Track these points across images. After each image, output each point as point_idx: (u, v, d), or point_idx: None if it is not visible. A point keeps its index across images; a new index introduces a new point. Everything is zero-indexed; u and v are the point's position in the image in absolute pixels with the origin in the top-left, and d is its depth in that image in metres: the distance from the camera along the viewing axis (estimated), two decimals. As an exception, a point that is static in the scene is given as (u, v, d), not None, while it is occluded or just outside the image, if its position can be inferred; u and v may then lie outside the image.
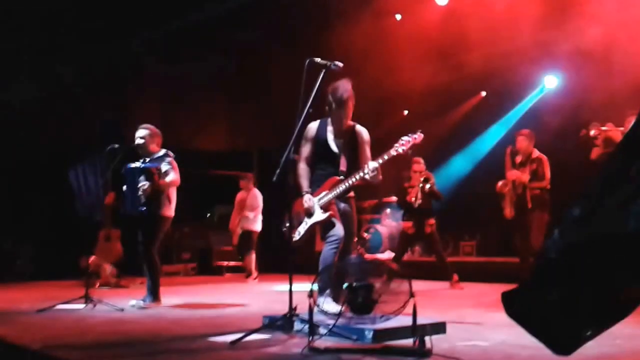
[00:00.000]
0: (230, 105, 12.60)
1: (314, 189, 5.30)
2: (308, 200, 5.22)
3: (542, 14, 9.35)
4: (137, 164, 6.68)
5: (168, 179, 6.59)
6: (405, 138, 5.01)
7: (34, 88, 10.80)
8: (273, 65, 11.30)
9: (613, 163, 2.06)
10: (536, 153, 7.97)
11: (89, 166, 11.42)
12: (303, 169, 5.40)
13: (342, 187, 5.18)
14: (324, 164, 5.38)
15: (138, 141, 6.78)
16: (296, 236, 5.26)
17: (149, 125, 6.89)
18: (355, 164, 5.32)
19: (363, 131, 5.44)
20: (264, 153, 13.73)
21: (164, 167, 6.63)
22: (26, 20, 10.19)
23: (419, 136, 5.02)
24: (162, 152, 6.80)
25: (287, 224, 4.92)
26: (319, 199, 5.23)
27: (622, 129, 7.25)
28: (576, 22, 9.10)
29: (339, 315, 4.25)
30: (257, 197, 11.01)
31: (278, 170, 4.57)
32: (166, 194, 6.62)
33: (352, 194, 5.41)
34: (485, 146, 13.19)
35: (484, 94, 13.67)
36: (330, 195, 5.21)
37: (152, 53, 11.83)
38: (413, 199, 8.98)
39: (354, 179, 5.13)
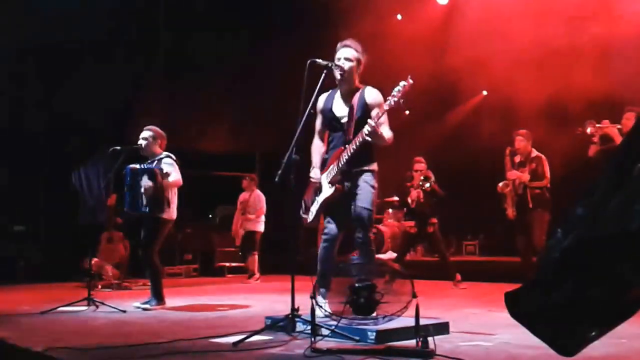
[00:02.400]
0: (232, 106, 12.59)
1: (326, 163, 5.05)
2: (314, 175, 5.05)
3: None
4: (138, 165, 6.68)
5: (170, 179, 6.58)
6: (396, 89, 4.61)
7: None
8: (275, 66, 11.30)
9: (616, 161, 2.05)
10: (535, 152, 7.96)
11: (92, 168, 11.41)
12: (315, 143, 5.21)
13: (345, 157, 4.85)
14: (333, 134, 5.11)
15: (141, 142, 6.78)
16: (310, 217, 5.08)
17: (153, 127, 6.88)
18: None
19: (372, 91, 5.01)
20: (266, 154, 13.72)
21: (166, 167, 6.62)
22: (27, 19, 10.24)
23: (408, 83, 4.60)
24: (164, 154, 6.79)
25: (303, 208, 4.89)
26: (328, 174, 4.97)
27: (618, 126, 7.23)
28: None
29: (341, 315, 4.25)
30: (260, 198, 11.01)
31: (280, 171, 4.56)
32: (166, 197, 6.60)
33: (372, 166, 4.98)
34: (487, 145, 13.16)
35: (485, 93, 13.67)
36: (336, 168, 4.90)
37: (156, 55, 11.86)
38: (409, 200, 8.98)
39: (354, 145, 4.77)
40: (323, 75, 4.79)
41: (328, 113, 5.09)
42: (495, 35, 9.94)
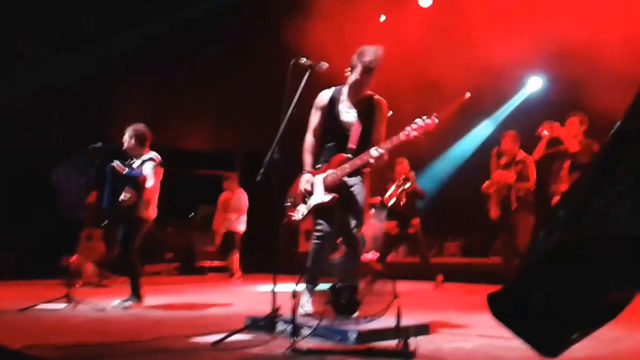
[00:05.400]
0: (214, 104, 12.54)
1: (320, 164, 5.02)
2: (306, 180, 4.94)
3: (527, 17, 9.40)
4: (121, 165, 6.59)
5: (149, 185, 6.51)
6: (418, 121, 4.60)
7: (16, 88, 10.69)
8: (258, 64, 11.26)
9: (599, 163, 2.05)
10: (521, 154, 7.99)
11: (72, 165, 11.32)
12: (308, 141, 5.10)
13: (346, 169, 4.81)
14: (332, 137, 5.00)
15: (124, 141, 6.71)
16: (297, 215, 5.00)
17: (138, 126, 6.80)
18: (367, 141, 4.87)
19: (382, 103, 4.97)
20: (248, 153, 13.68)
21: (146, 171, 6.55)
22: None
23: (432, 121, 4.59)
24: (148, 155, 6.69)
25: (289, 202, 4.87)
26: (323, 177, 4.91)
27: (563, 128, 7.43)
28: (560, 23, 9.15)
29: (322, 316, 4.23)
30: (241, 197, 10.99)
31: (262, 170, 4.53)
32: (145, 197, 6.53)
33: (365, 170, 4.98)
34: (470, 147, 13.24)
35: (468, 94, 13.72)
36: (334, 176, 4.86)
37: (137, 52, 11.75)
38: (387, 198, 8.98)
39: (358, 162, 4.75)
40: (307, 74, 4.76)
41: (334, 115, 5.01)
42: (477, 37, 9.98)
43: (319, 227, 5.00)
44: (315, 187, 4.92)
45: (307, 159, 5.06)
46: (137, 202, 6.45)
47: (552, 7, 9.41)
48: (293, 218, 5.03)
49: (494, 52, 9.80)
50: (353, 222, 4.88)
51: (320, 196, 4.88)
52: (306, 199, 4.95)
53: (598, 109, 7.43)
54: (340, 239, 5.01)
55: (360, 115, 4.92)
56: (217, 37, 11.84)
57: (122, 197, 6.35)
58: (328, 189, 4.86)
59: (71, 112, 11.35)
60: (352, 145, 4.86)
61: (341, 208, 4.92)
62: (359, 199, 4.91)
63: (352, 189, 4.90)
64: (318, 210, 4.95)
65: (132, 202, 6.39)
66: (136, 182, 6.44)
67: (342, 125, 4.96)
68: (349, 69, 4.95)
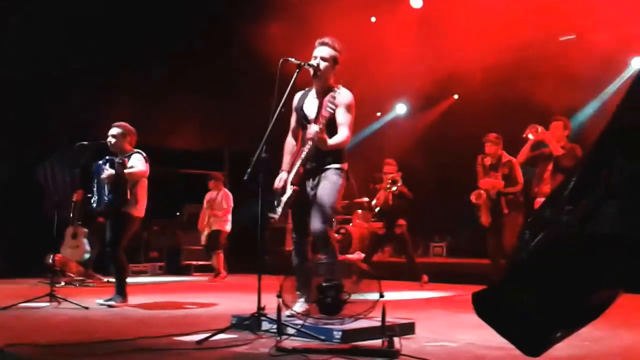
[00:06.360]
0: (202, 104, 12.49)
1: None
2: (278, 179, 4.96)
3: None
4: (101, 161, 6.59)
5: (134, 170, 6.50)
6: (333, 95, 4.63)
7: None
8: (246, 64, 11.24)
9: (586, 164, 2.07)
10: (506, 157, 7.99)
11: (57, 163, 11.26)
12: (287, 142, 5.16)
13: (300, 157, 4.80)
14: (303, 132, 4.99)
15: (110, 139, 6.69)
16: (276, 216, 4.97)
17: (122, 124, 6.79)
18: (333, 130, 4.80)
19: (342, 92, 4.88)
20: (235, 152, 13.64)
21: (133, 161, 6.54)
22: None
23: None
24: (134, 151, 6.69)
25: (273, 207, 4.86)
26: (292, 173, 4.89)
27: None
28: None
29: (307, 315, 4.23)
30: (227, 197, 10.98)
31: (249, 169, 4.52)
32: (134, 193, 6.52)
33: (336, 165, 4.86)
34: (456, 148, 13.27)
35: (456, 96, 13.78)
36: (294, 169, 4.86)
37: (124, 50, 11.69)
38: (376, 204, 9.00)
39: (307, 146, 4.74)
40: (295, 74, 4.76)
41: (299, 111, 5.05)
42: (466, 39, 10.02)
43: (293, 239, 5.04)
44: (287, 182, 4.92)
45: (285, 158, 5.11)
46: (121, 191, 6.43)
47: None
48: (275, 220, 5.02)
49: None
50: (313, 221, 4.79)
51: (288, 191, 4.87)
52: (281, 197, 4.94)
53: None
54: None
55: (321, 106, 4.82)
56: (205, 35, 11.80)
57: (103, 175, 6.41)
58: (293, 182, 4.86)
59: (57, 111, 11.25)
60: (309, 135, 4.77)
61: (302, 206, 4.90)
62: (320, 195, 4.80)
63: (314, 184, 4.86)
64: (293, 207, 4.94)
65: (112, 181, 6.40)
66: (113, 163, 6.48)
67: (307, 119, 4.95)
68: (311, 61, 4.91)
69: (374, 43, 10.58)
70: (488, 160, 8.07)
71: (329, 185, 4.81)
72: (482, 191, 7.96)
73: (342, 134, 4.82)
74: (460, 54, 10.52)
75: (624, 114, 1.95)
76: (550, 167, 7.39)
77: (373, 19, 11.98)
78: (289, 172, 4.99)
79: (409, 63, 10.91)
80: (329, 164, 4.86)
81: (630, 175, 1.85)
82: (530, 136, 7.58)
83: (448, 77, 11.64)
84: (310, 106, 4.99)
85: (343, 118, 4.80)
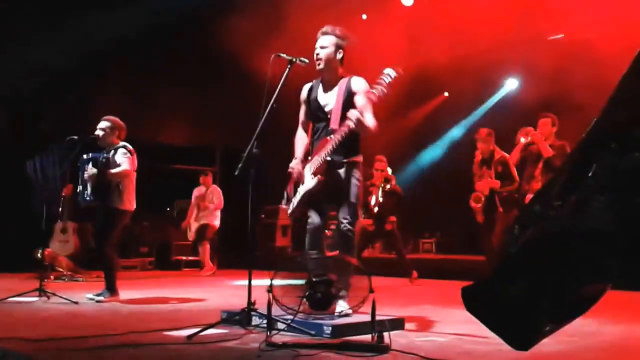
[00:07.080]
0: (193, 99, 12.46)
1: (311, 154, 4.92)
2: (295, 166, 4.90)
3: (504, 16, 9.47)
4: (85, 156, 6.56)
5: (119, 170, 6.47)
6: (385, 78, 4.50)
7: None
8: (238, 59, 11.22)
9: (574, 161, 2.08)
10: (499, 153, 7.99)
11: (47, 157, 11.20)
12: (298, 134, 5.11)
13: (330, 147, 4.70)
14: (317, 125, 4.96)
15: (98, 132, 6.65)
16: (290, 208, 4.96)
17: (111, 117, 6.75)
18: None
19: (358, 80, 4.83)
20: (227, 148, 13.62)
21: (119, 158, 6.50)
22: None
23: (398, 73, 4.51)
24: (120, 144, 6.66)
25: (284, 199, 4.84)
26: (311, 164, 4.83)
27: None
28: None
29: (297, 310, 4.23)
30: (217, 192, 10.99)
31: (240, 165, 4.51)
32: (120, 187, 6.48)
33: (358, 158, 4.90)
34: (446, 145, 13.32)
35: (446, 94, 13.81)
36: (319, 159, 4.76)
37: (115, 45, 11.64)
38: (372, 202, 9.01)
39: (340, 136, 4.63)
40: (287, 69, 4.75)
41: (314, 103, 4.97)
42: (457, 35, 10.04)
43: (309, 220, 4.97)
44: (305, 176, 4.88)
45: (298, 149, 5.04)
46: (109, 190, 6.41)
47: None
48: (288, 212, 4.99)
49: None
50: (342, 216, 4.81)
51: (309, 182, 4.82)
52: (298, 188, 4.90)
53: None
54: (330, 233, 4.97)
55: (338, 96, 4.81)
56: (197, 30, 11.76)
57: (85, 175, 6.40)
58: (315, 173, 4.79)
59: (47, 105, 11.21)
60: (334, 126, 4.76)
61: (330, 200, 4.88)
62: (351, 190, 4.81)
63: (341, 177, 4.81)
64: (310, 201, 4.90)
65: (94, 181, 6.38)
66: (95, 161, 6.45)
67: (323, 110, 4.91)
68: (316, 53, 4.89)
69: (364, 40, 10.57)
70: (479, 156, 8.06)
71: (356, 182, 4.83)
72: (480, 194, 7.94)
73: (373, 121, 4.72)
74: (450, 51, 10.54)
75: (614, 110, 1.96)
76: (540, 165, 7.40)
77: (364, 16, 11.97)
78: (303, 162, 4.95)
79: (398, 60, 10.89)
80: (354, 156, 4.87)
81: (620, 170, 1.86)
82: (522, 140, 7.59)
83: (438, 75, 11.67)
84: (325, 97, 4.92)
85: (368, 106, 4.71)
